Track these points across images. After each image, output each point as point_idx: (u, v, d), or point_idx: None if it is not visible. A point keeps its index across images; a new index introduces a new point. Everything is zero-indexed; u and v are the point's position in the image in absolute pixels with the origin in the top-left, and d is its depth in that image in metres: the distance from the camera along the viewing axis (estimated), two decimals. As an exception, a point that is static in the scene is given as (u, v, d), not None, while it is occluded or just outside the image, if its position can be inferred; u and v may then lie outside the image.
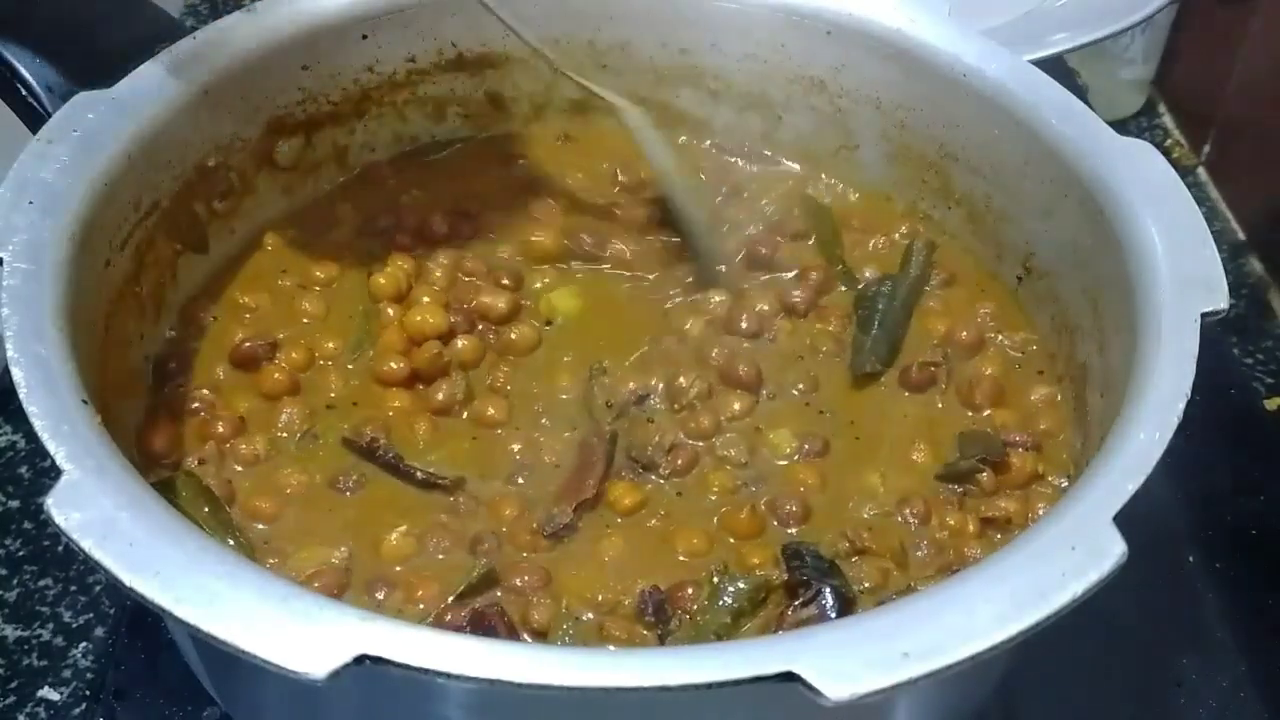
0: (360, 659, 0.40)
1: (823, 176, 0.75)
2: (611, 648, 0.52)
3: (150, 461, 0.58)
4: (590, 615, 0.53)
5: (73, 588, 0.71)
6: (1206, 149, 1.06)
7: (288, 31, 0.67)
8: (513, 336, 0.65)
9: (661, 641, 0.53)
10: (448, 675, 0.41)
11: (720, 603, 0.53)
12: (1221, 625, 0.69)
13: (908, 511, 0.58)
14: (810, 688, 0.40)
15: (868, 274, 0.70)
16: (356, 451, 0.59)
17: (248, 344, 0.63)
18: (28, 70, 0.66)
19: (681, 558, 0.56)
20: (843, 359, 0.66)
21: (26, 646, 0.69)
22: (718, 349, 0.64)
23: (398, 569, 0.55)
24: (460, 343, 0.64)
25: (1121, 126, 0.90)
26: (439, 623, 0.52)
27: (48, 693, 0.67)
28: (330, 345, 0.64)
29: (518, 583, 0.54)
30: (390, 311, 0.65)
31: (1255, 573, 0.72)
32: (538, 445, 0.60)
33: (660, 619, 0.53)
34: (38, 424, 0.46)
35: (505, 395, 0.63)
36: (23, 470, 0.77)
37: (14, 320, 0.50)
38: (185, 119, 0.63)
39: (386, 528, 0.56)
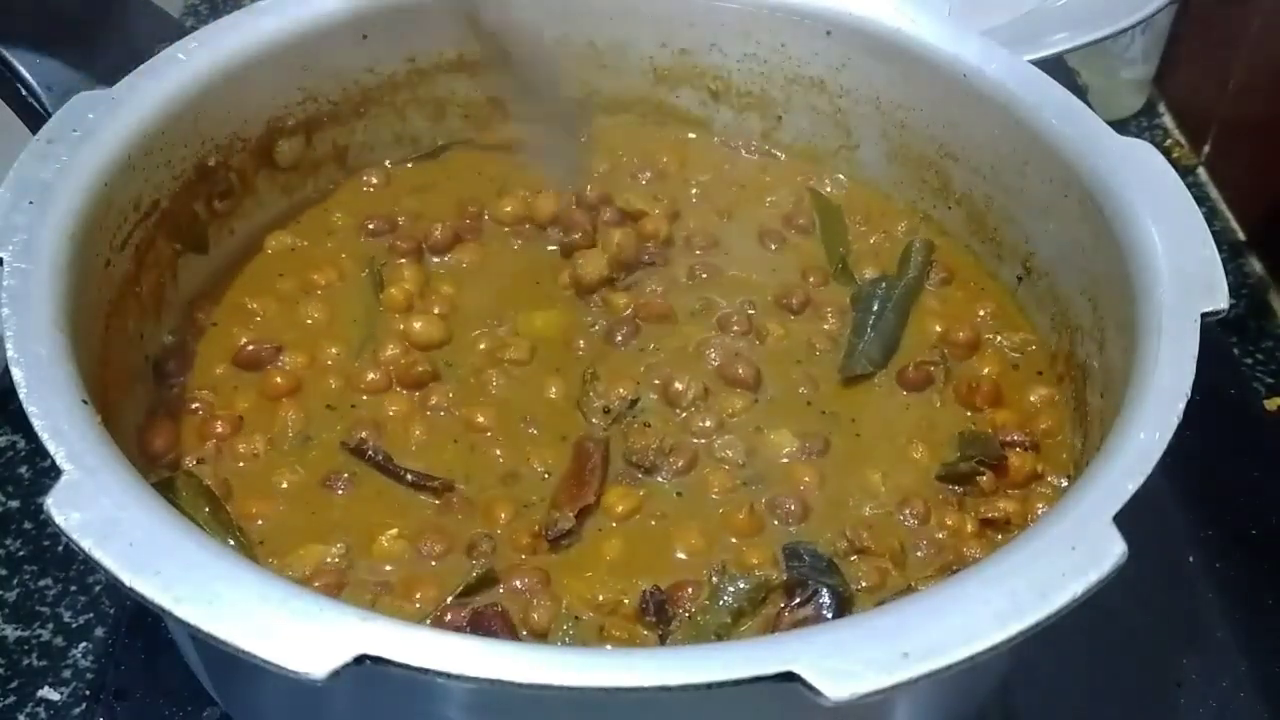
0: (360, 659, 0.40)
1: (824, 176, 0.76)
2: (611, 648, 0.52)
3: (150, 461, 0.58)
4: (590, 615, 0.53)
5: (73, 588, 0.71)
6: (1206, 149, 1.06)
7: (288, 31, 0.67)
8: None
9: (662, 641, 0.53)
10: (448, 675, 0.41)
11: (720, 602, 0.53)
12: (1221, 625, 0.69)
13: (907, 511, 0.58)
14: (810, 688, 0.40)
15: (867, 274, 0.70)
16: (350, 452, 0.59)
17: (252, 347, 0.63)
18: (28, 70, 0.66)
19: (681, 557, 0.56)
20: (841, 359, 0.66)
21: (26, 646, 0.69)
22: (714, 350, 0.65)
23: (388, 568, 0.55)
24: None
25: (1121, 126, 0.90)
26: (439, 623, 0.52)
27: (48, 693, 0.67)
28: (333, 350, 0.64)
29: (517, 583, 0.54)
30: (397, 318, 0.65)
31: (1255, 573, 0.72)
32: (525, 451, 0.60)
33: (661, 619, 0.53)
34: (38, 424, 0.46)
35: (494, 402, 0.62)
36: (23, 470, 0.77)
37: (14, 320, 0.50)
38: (185, 119, 0.63)
39: (378, 527, 0.56)
